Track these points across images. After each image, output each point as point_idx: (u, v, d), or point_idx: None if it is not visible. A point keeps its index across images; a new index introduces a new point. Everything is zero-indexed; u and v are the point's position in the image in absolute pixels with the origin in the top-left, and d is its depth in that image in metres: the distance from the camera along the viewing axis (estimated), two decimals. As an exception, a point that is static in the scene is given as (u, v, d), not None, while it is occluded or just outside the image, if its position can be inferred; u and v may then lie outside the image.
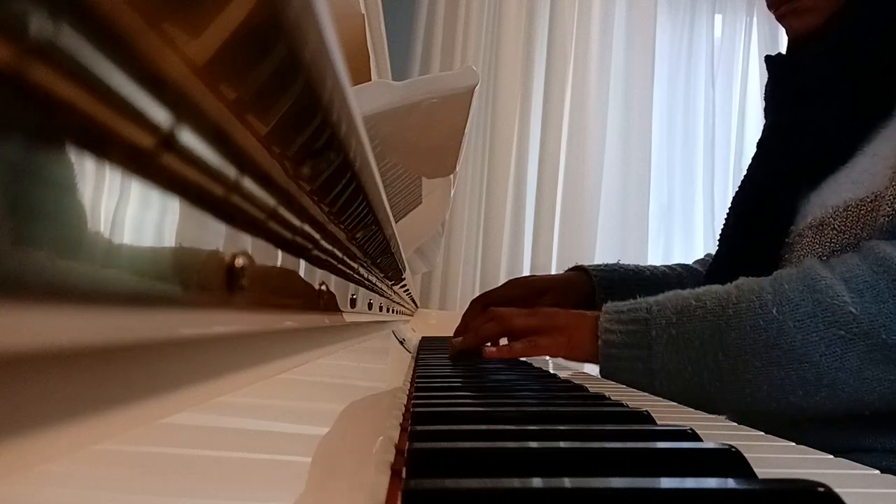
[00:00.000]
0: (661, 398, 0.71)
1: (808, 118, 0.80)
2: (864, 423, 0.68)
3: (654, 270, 1.04)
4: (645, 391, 0.72)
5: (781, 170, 0.82)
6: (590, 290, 0.99)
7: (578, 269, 1.03)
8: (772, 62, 0.90)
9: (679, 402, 0.71)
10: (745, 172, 0.91)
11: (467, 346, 0.86)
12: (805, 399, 0.65)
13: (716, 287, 0.72)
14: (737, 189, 0.90)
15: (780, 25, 0.88)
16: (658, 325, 0.71)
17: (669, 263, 1.08)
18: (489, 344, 0.83)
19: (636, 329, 0.72)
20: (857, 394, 0.63)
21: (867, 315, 0.62)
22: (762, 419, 0.77)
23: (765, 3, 0.88)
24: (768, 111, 0.91)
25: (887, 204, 0.67)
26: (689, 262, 1.10)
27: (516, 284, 1.05)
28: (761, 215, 0.83)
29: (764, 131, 0.90)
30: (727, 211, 0.90)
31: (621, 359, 0.73)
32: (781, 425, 0.71)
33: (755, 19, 2.56)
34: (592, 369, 0.84)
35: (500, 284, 1.08)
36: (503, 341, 0.85)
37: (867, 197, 0.70)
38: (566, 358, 0.81)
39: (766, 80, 0.92)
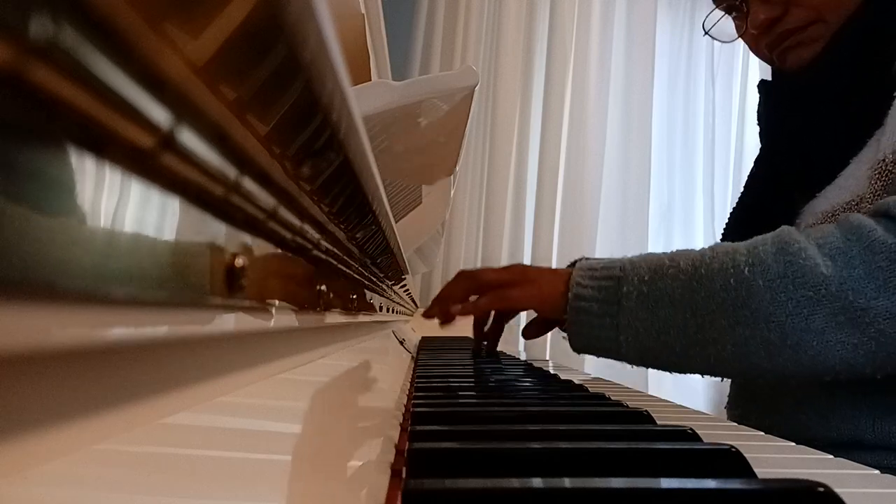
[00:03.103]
0: (660, 398, 0.71)
1: (803, 139, 0.82)
2: (865, 412, 0.69)
3: None
4: (609, 349, 0.72)
5: (778, 187, 0.84)
6: None
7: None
8: (767, 87, 0.91)
9: (642, 363, 0.71)
10: (744, 179, 0.94)
11: (436, 308, 0.82)
12: (768, 360, 0.65)
13: (692, 249, 0.73)
14: (735, 203, 0.92)
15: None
16: (630, 282, 0.71)
17: None
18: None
19: (608, 285, 0.72)
20: (819, 357, 0.64)
21: (837, 278, 0.63)
22: (752, 408, 0.78)
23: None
24: (763, 133, 0.92)
25: (867, 203, 0.69)
26: None
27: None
28: (759, 224, 0.84)
29: (760, 151, 0.92)
30: (725, 223, 0.92)
31: (590, 313, 0.72)
32: (783, 414, 0.72)
33: (755, 19, 2.55)
34: (592, 370, 0.83)
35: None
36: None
37: (853, 200, 0.72)
38: (536, 311, 0.79)
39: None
